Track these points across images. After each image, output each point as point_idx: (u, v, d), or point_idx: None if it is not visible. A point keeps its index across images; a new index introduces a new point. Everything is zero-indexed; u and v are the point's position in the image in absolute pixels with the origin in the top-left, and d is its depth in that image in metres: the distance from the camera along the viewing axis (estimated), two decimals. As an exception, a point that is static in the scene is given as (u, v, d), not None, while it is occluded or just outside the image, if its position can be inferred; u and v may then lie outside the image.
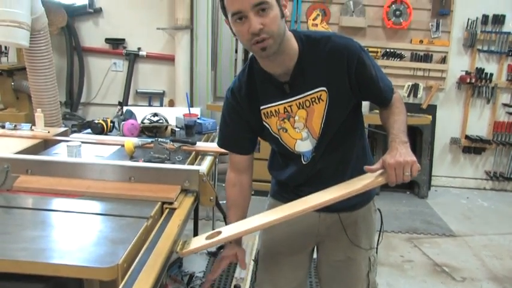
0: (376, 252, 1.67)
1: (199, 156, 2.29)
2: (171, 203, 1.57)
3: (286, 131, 1.47)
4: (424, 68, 4.76)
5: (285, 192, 1.62)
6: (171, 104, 4.95)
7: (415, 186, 4.77)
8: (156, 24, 4.72)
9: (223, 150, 2.43)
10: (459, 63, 4.81)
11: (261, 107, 1.46)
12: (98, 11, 4.76)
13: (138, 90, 4.98)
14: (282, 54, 1.34)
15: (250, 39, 1.27)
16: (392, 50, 4.72)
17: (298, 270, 1.68)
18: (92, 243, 1.25)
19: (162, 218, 1.49)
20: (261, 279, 1.69)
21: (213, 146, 2.39)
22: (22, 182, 1.63)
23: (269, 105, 1.45)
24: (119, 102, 4.78)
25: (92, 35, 4.84)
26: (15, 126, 2.48)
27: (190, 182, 1.70)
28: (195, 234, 3.03)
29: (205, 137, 2.72)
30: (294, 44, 1.37)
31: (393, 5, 4.59)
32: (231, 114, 1.52)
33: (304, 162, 1.51)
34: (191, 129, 2.68)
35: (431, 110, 4.83)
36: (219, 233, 1.40)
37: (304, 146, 1.48)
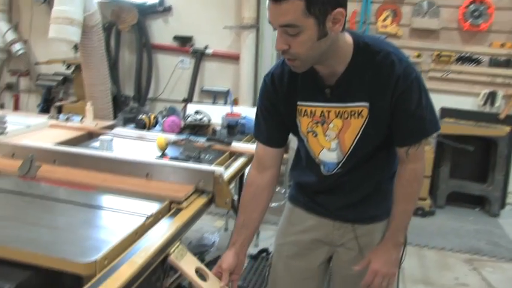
0: (398, 274, 1.54)
1: (233, 157, 2.26)
2: (179, 203, 1.56)
3: (316, 135, 1.39)
4: (504, 75, 4.35)
5: (301, 197, 1.57)
6: (236, 102, 4.97)
7: (486, 203, 4.37)
8: (223, 23, 4.75)
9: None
10: (546, 70, 4.34)
11: (298, 102, 1.38)
12: (168, 9, 4.89)
13: (204, 88, 5.05)
14: (328, 60, 1.26)
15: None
16: (468, 55, 4.36)
17: (310, 280, 1.60)
18: (84, 237, 1.27)
19: (166, 217, 1.48)
20: (272, 286, 1.65)
21: (248, 147, 2.35)
22: (45, 172, 1.70)
23: (307, 103, 1.37)
24: (184, 99, 4.90)
25: (161, 32, 4.99)
26: (67, 118, 2.62)
27: (205, 182, 1.68)
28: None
29: (247, 137, 2.69)
30: (349, 48, 1.27)
31: (471, 5, 4.23)
32: (266, 100, 1.44)
33: (324, 173, 1.44)
34: (233, 129, 2.65)
35: (510, 120, 4.40)
36: (207, 275, 1.38)
37: (329, 156, 1.41)
